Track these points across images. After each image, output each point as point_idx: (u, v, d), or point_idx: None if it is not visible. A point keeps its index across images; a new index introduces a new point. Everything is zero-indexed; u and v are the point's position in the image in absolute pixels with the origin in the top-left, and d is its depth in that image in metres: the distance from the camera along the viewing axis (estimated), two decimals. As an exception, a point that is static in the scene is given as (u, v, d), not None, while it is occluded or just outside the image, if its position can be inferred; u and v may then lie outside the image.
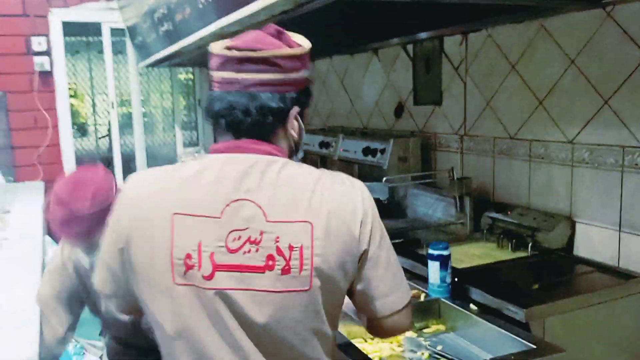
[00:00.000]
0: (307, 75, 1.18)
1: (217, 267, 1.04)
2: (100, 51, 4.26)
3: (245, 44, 1.12)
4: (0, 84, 3.69)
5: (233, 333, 1.05)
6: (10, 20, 3.82)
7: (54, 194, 1.66)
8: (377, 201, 3.05)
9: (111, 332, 2.00)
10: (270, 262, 1.04)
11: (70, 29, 4.04)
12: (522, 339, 1.53)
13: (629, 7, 1.90)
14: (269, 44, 1.12)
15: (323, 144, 3.55)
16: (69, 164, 4.02)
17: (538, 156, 2.33)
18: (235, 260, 1.04)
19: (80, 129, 5.15)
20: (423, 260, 2.05)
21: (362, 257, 1.11)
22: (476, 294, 1.80)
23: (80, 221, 1.61)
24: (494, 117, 2.55)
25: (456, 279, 1.84)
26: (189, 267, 1.04)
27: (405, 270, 2.10)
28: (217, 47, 1.14)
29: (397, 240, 2.33)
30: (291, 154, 1.21)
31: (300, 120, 1.19)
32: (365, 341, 1.73)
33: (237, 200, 1.06)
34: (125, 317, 1.74)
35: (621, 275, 1.91)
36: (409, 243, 2.35)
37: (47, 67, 3.88)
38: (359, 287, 1.14)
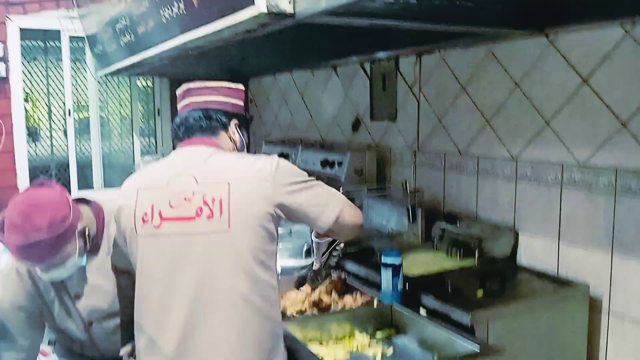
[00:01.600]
0: (242, 105, 1.75)
1: (164, 219, 1.49)
2: (58, 58, 4.22)
3: (200, 81, 1.71)
4: (-46, 89, 3.62)
5: (176, 264, 1.46)
6: (-33, 25, 3.76)
7: (8, 218, 1.58)
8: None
9: (64, 344, 1.99)
10: (199, 212, 1.47)
11: (28, 33, 4.00)
12: (468, 341, 1.64)
13: (569, 36, 2.08)
14: (214, 81, 1.71)
15: (282, 155, 3.62)
16: (22, 171, 3.96)
17: (485, 171, 2.48)
18: (175, 214, 1.48)
19: (32, 135, 5.07)
20: (377, 268, 2.15)
21: (283, 205, 1.50)
22: (426, 299, 1.91)
23: (37, 246, 1.57)
24: (445, 133, 2.69)
25: (407, 286, 1.94)
26: (144, 221, 1.50)
27: (360, 278, 2.23)
28: (181, 87, 1.74)
29: (352, 249, 2.47)
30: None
31: (240, 132, 1.71)
32: (321, 344, 1.81)
33: (179, 174, 1.53)
34: (80, 334, 1.83)
35: (560, 282, 2.07)
36: (364, 252, 2.45)
37: (3, 74, 3.83)
38: (301, 219, 1.57)
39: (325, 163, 3.16)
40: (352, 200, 3.05)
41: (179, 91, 1.74)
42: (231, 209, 1.45)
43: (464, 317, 1.74)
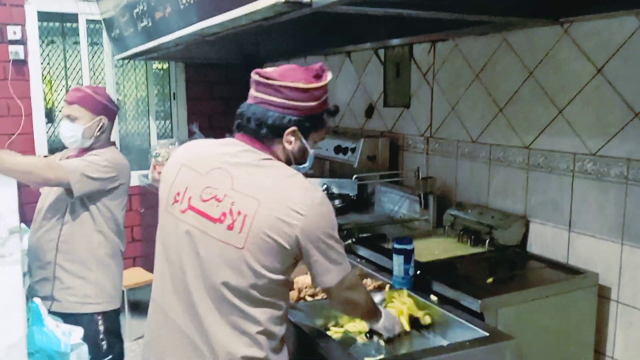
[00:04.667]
0: (314, 105, 1.49)
1: (190, 207, 1.46)
2: (76, 42, 4.27)
3: (269, 74, 1.48)
4: (-26, 72, 3.69)
5: (187, 254, 1.44)
6: (-14, 7, 3.82)
7: None
8: (346, 197, 3.19)
9: None
10: (222, 218, 1.40)
11: (45, 15, 4.04)
12: (477, 327, 1.68)
13: (584, 25, 2.08)
14: (286, 77, 1.47)
15: (295, 141, 3.66)
16: (41, 152, 4.03)
17: (497, 159, 2.50)
18: (202, 208, 1.44)
19: (49, 116, 5.13)
20: (388, 254, 2.19)
21: (301, 247, 1.39)
22: (436, 285, 1.94)
23: (76, 92, 2.39)
24: (458, 121, 2.71)
25: (418, 272, 1.98)
26: (175, 201, 1.49)
27: (372, 263, 2.27)
28: (252, 75, 1.53)
29: (364, 235, 2.51)
30: (289, 163, 1.53)
31: (302, 139, 1.51)
32: (334, 326, 1.86)
33: (220, 167, 1.46)
34: None
35: (570, 270, 2.09)
36: (376, 237, 2.49)
37: (22, 56, 3.89)
38: (305, 265, 1.46)
39: (338, 149, 3.19)
40: (364, 187, 3.14)
41: (252, 76, 1.54)
42: (251, 230, 1.36)
43: (473, 304, 1.78)
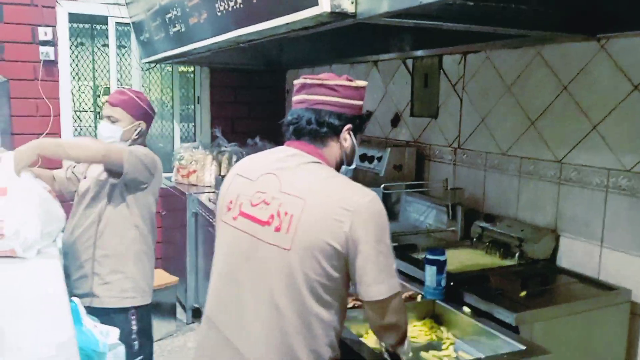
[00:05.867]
0: (361, 105, 1.57)
1: (241, 213, 1.49)
2: (104, 44, 4.32)
3: (316, 77, 1.53)
4: (4, 71, 3.74)
5: (240, 262, 1.45)
6: (18, 9, 3.88)
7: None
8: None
9: None
10: (270, 220, 1.41)
11: (75, 17, 4.10)
12: (513, 340, 1.68)
13: (621, 41, 2.08)
14: (333, 78, 1.53)
15: (320, 148, 3.68)
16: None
17: (527, 172, 2.50)
18: (252, 212, 1.46)
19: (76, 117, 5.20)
20: (418, 264, 2.20)
21: (349, 248, 1.34)
22: (469, 297, 1.95)
23: (119, 95, 2.47)
24: (487, 133, 2.72)
25: (452, 283, 1.99)
26: (228, 209, 1.53)
27: (402, 273, 2.27)
28: (298, 79, 1.57)
29: (393, 244, 2.51)
30: (340, 164, 1.57)
31: (352, 138, 1.55)
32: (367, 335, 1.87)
33: (269, 173, 1.48)
34: None
35: (602, 286, 2.09)
36: (405, 247, 2.50)
37: (52, 57, 3.95)
38: (350, 271, 1.38)
39: (364, 157, 3.20)
40: (389, 196, 3.14)
41: (296, 83, 1.57)
42: (298, 230, 1.34)
43: (508, 317, 1.78)
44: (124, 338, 2.20)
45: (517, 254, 2.34)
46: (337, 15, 1.69)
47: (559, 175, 2.35)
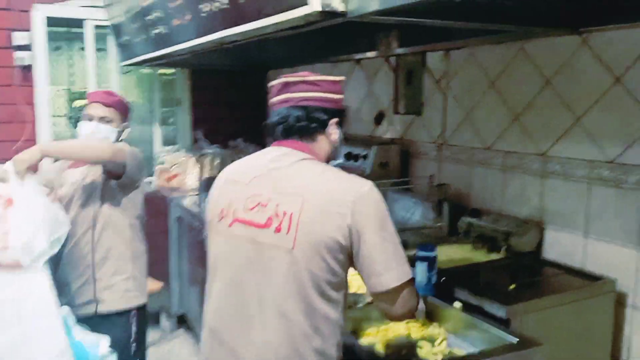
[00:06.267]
0: (342, 99, 1.60)
1: (236, 220, 1.44)
2: (82, 48, 4.25)
3: (297, 75, 1.55)
4: (-20, 77, 3.66)
5: (241, 269, 1.42)
6: (-6, 13, 3.80)
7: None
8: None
9: None
10: (269, 222, 1.38)
11: (52, 20, 4.02)
12: (505, 333, 1.70)
13: (603, 35, 2.11)
14: (312, 74, 1.57)
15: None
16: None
17: (512, 166, 2.53)
18: (248, 217, 1.43)
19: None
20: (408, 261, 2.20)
21: (353, 239, 1.34)
22: (459, 292, 1.96)
23: (105, 94, 2.49)
24: (471, 128, 2.74)
25: (443, 279, 2.00)
26: (221, 217, 1.48)
27: (392, 270, 2.26)
28: (276, 80, 1.56)
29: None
30: (330, 157, 1.58)
31: (339, 131, 1.58)
32: (357, 333, 1.87)
33: (262, 174, 1.46)
34: None
35: (589, 277, 2.12)
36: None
37: (29, 62, 3.87)
38: (355, 267, 1.39)
39: (349, 156, 3.21)
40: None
41: (274, 84, 1.56)
42: (299, 228, 1.33)
43: (500, 310, 1.79)
44: (124, 342, 2.21)
45: (503, 248, 2.36)
46: (327, 14, 1.68)
47: (543, 168, 2.38)
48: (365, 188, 1.38)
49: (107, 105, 2.38)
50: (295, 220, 1.34)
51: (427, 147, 3.03)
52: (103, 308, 2.29)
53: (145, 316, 2.46)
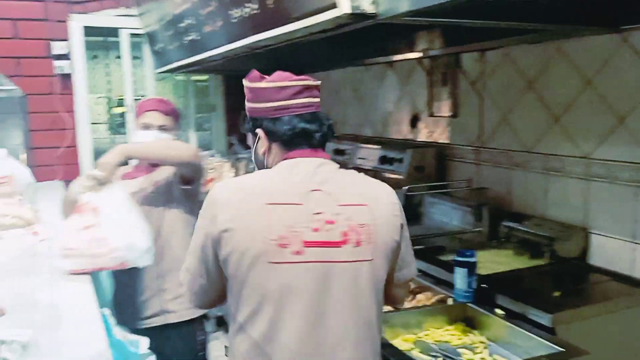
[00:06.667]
0: None
1: (306, 244, 1.30)
2: (118, 56, 4.33)
3: (307, 78, 1.44)
4: (22, 86, 3.75)
5: (317, 290, 1.30)
6: (33, 24, 3.90)
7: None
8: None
9: None
10: (345, 238, 1.32)
11: (89, 30, 4.11)
12: (550, 342, 1.64)
13: (646, 33, 2.03)
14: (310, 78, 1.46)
15: (338, 151, 3.66)
16: (86, 165, 4.09)
17: (553, 169, 2.45)
18: (319, 238, 1.30)
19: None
20: (446, 267, 2.16)
21: (401, 236, 1.42)
22: (501, 299, 1.91)
23: (157, 101, 2.46)
24: (510, 131, 2.67)
25: (484, 285, 1.94)
26: (283, 246, 1.29)
27: (430, 276, 2.23)
28: (292, 81, 1.43)
29: (418, 247, 2.47)
30: None
31: None
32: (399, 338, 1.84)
33: (313, 190, 1.35)
34: None
35: (637, 283, 2.03)
36: (432, 249, 2.46)
37: (67, 71, 3.96)
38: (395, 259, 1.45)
39: (384, 160, 3.17)
40: (411, 198, 3.10)
41: (287, 85, 1.43)
42: (376, 237, 1.34)
43: (544, 318, 1.74)
44: (192, 351, 2.25)
45: (547, 253, 2.29)
46: (357, 16, 1.66)
47: (586, 171, 2.30)
48: (390, 187, 1.47)
49: (165, 113, 2.34)
50: (371, 230, 1.34)
51: (464, 150, 2.97)
52: (172, 319, 2.25)
53: (206, 324, 2.43)
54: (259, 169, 1.52)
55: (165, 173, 2.29)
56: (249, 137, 1.55)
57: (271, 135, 1.44)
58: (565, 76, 2.35)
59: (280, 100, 1.41)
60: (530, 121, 2.56)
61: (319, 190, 1.35)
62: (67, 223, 1.98)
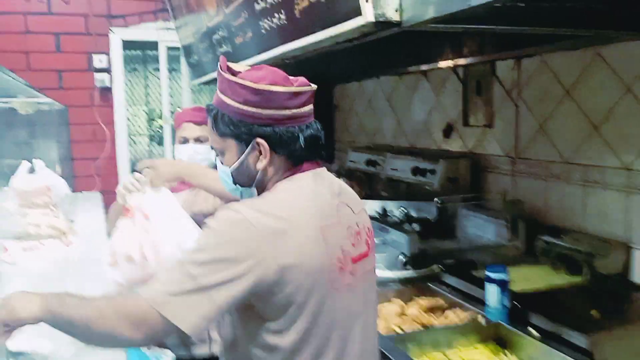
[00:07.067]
0: None
1: (353, 261, 1.27)
2: (156, 69, 4.42)
3: (301, 81, 1.29)
4: (63, 99, 3.87)
5: (365, 311, 1.32)
6: (74, 38, 4.03)
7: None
8: (425, 220, 3.09)
9: None
10: (368, 246, 1.34)
11: (128, 44, 4.22)
12: (586, 365, 1.55)
13: (689, 38, 1.92)
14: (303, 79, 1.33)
15: (370, 162, 3.61)
16: (124, 176, 4.18)
17: (593, 181, 2.34)
18: (357, 252, 1.29)
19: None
20: (478, 283, 2.09)
21: None
22: (536, 318, 1.82)
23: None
24: (547, 140, 2.57)
25: (517, 304, 1.86)
26: (340, 269, 1.22)
27: (460, 292, 2.16)
28: (297, 87, 1.26)
29: (449, 261, 2.40)
30: None
31: None
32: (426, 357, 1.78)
33: (337, 204, 1.29)
34: None
35: (682, 303, 1.92)
36: (464, 264, 2.38)
37: (107, 84, 4.07)
38: None
39: (416, 171, 3.11)
40: (444, 211, 3.02)
41: (297, 91, 1.26)
42: (371, 240, 1.39)
43: (580, 339, 1.65)
44: None
45: (585, 270, 2.18)
46: (382, 24, 1.63)
47: (627, 182, 2.18)
48: None
49: (198, 123, 2.25)
50: (371, 233, 1.39)
51: (499, 160, 2.88)
52: (216, 347, 2.11)
53: None
54: (242, 187, 1.30)
55: (210, 205, 2.12)
56: (225, 144, 1.29)
57: (279, 147, 1.24)
58: (604, 83, 2.25)
59: (295, 108, 1.24)
60: (568, 130, 2.46)
61: (342, 202, 1.30)
62: (118, 229, 1.82)
